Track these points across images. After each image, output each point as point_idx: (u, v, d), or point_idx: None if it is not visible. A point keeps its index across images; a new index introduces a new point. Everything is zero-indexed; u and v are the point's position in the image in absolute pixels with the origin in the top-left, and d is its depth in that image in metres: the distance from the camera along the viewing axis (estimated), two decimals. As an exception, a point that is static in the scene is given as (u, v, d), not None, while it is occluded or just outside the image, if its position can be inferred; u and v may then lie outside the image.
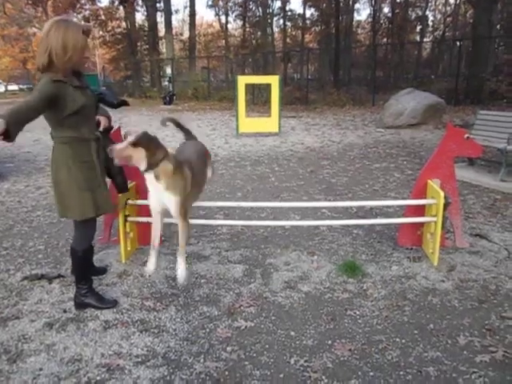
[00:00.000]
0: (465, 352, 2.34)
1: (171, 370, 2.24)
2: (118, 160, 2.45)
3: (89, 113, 2.60)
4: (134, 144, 2.43)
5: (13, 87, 41.80)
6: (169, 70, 23.77)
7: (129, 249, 3.53)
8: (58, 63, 2.39)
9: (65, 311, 2.80)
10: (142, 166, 2.52)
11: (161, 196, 2.65)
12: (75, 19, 2.67)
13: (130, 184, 3.45)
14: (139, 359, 2.33)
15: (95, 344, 2.46)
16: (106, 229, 3.69)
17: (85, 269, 2.87)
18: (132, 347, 2.43)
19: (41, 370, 2.25)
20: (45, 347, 2.44)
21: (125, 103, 3.14)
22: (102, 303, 2.84)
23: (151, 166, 2.53)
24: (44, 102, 2.33)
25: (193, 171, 2.77)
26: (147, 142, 2.48)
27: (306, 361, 2.30)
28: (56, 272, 3.33)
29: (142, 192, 3.59)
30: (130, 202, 3.41)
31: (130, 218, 3.45)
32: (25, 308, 2.84)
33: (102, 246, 3.71)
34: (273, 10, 38.21)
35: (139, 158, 2.48)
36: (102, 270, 3.33)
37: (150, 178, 2.59)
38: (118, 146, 2.42)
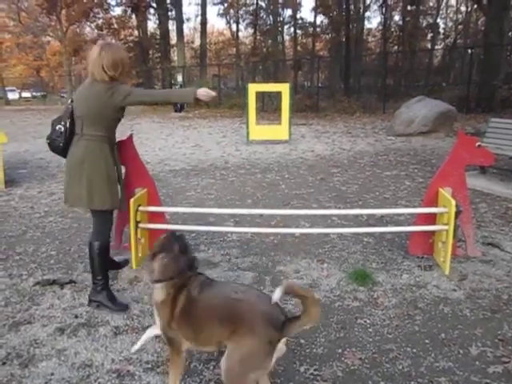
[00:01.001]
0: (477, 362, 2.31)
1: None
2: None
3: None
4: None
5: (25, 94, 42.37)
6: (180, 78, 23.98)
7: (140, 255, 3.55)
8: (118, 76, 2.85)
9: (76, 316, 2.82)
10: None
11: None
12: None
13: (142, 191, 3.49)
14: (149, 365, 2.34)
15: (106, 350, 2.48)
16: (118, 235, 3.72)
17: (102, 263, 2.98)
18: (142, 353, 2.44)
19: (52, 374, 2.27)
20: (56, 352, 2.46)
21: None
22: (114, 305, 2.91)
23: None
24: None
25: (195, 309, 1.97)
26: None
27: (315, 369, 2.29)
28: (68, 277, 3.36)
29: (153, 199, 3.63)
30: (141, 208, 3.44)
31: (141, 225, 3.48)
32: (37, 313, 2.87)
33: (113, 252, 3.73)
34: (283, 18, 38.48)
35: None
36: (123, 262, 3.49)
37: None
38: None
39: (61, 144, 2.90)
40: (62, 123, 2.90)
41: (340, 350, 2.45)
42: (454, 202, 3.17)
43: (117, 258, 3.51)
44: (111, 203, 2.92)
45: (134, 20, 32.22)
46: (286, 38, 41.58)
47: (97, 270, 2.96)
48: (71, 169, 2.89)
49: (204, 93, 2.79)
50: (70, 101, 2.97)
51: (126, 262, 3.51)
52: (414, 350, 2.43)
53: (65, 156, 2.96)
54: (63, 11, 28.64)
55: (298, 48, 40.66)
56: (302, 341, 2.54)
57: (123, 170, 3.25)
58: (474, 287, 3.11)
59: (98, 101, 2.79)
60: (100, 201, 2.86)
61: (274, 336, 1.78)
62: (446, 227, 3.27)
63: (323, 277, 3.33)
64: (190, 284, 2.01)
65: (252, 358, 1.79)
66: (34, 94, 40.82)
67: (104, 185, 2.85)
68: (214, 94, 2.83)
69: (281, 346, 1.84)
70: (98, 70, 2.80)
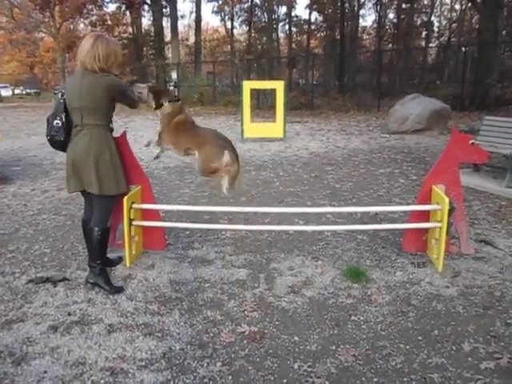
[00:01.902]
0: (469, 358, 2.33)
1: (175, 374, 2.24)
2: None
3: None
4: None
5: (17, 91, 42.08)
6: (174, 75, 23.87)
7: (133, 253, 3.54)
8: (108, 68, 2.94)
9: (69, 314, 2.81)
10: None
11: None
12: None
13: (136, 188, 3.48)
14: (143, 363, 2.33)
15: (99, 347, 2.47)
16: (111, 232, 3.69)
17: (100, 248, 3.14)
18: (136, 351, 2.44)
19: (45, 372, 2.26)
20: (49, 350, 2.45)
21: None
22: (110, 287, 3.08)
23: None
24: None
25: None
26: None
27: (309, 366, 2.29)
28: (61, 275, 3.34)
29: (147, 196, 3.61)
30: (135, 205, 3.42)
31: (134, 222, 3.46)
32: (30, 311, 2.86)
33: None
34: (278, 16, 38.37)
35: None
36: (117, 260, 3.52)
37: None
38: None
39: (61, 138, 2.96)
40: (58, 118, 2.94)
41: (334, 347, 2.45)
42: (447, 200, 3.19)
43: (110, 256, 3.50)
44: (117, 188, 3.06)
45: (128, 17, 32.02)
46: (281, 35, 41.57)
47: (96, 254, 3.12)
48: (78, 159, 2.94)
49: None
50: (60, 95, 2.99)
51: (120, 260, 3.50)
52: (407, 347, 2.44)
53: (64, 150, 3.01)
54: (56, 7, 28.42)
55: (293, 45, 40.64)
56: (296, 338, 2.54)
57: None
58: (466, 284, 3.13)
59: (94, 91, 2.87)
60: (108, 186, 2.99)
61: (220, 147, 3.48)
62: (439, 224, 3.28)
63: (317, 274, 3.34)
64: (184, 113, 3.62)
65: (210, 155, 3.45)
66: (28, 90, 40.46)
67: (110, 171, 2.98)
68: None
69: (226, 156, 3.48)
70: (90, 60, 2.87)
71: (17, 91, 41.94)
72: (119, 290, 3.09)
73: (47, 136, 3.00)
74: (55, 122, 2.94)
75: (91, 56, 2.86)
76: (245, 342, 2.51)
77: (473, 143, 3.46)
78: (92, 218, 3.13)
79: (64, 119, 2.94)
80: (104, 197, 3.04)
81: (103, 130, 2.98)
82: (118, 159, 3.08)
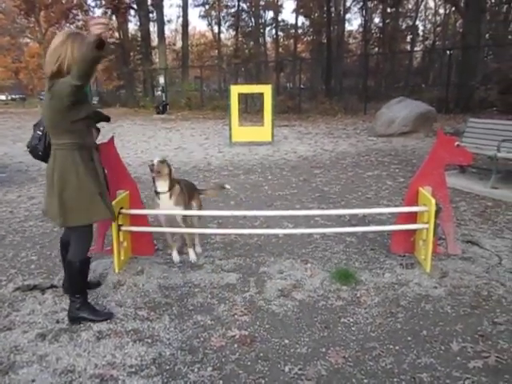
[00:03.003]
0: (458, 358, 2.35)
1: (165, 380, 2.23)
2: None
3: (91, 122, 2.73)
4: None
5: (2, 97, 41.59)
6: (162, 80, 23.80)
7: (122, 258, 3.52)
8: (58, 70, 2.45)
9: (57, 322, 2.78)
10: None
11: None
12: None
13: (124, 193, 3.46)
14: (133, 369, 2.32)
15: (88, 354, 2.44)
16: (99, 238, 3.67)
17: (81, 281, 2.80)
18: (126, 357, 2.42)
19: (33, 381, 2.23)
20: (37, 358, 2.42)
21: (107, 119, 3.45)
22: (96, 316, 2.78)
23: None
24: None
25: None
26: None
27: (300, 369, 2.30)
28: (49, 282, 3.31)
29: (136, 201, 3.60)
30: (123, 211, 3.41)
31: (123, 228, 3.44)
32: (17, 319, 2.82)
33: (94, 256, 3.68)
34: (265, 20, 38.65)
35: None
36: (96, 284, 3.26)
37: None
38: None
39: (40, 152, 2.81)
40: (41, 128, 2.79)
41: (324, 349, 2.46)
42: (433, 201, 3.23)
43: (90, 279, 3.23)
44: (88, 218, 2.64)
45: (114, 21, 31.89)
46: (268, 39, 41.89)
47: (76, 288, 2.79)
48: (46, 181, 2.68)
49: (96, 25, 2.18)
50: None
51: (99, 284, 3.29)
52: (397, 348, 2.46)
53: (47, 162, 2.78)
54: (42, 13, 28.22)
55: (280, 50, 40.92)
56: (286, 341, 2.55)
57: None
58: (454, 284, 3.16)
59: (46, 105, 2.52)
60: (74, 217, 2.59)
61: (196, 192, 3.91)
62: (426, 226, 3.31)
63: (307, 277, 3.35)
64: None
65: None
66: (13, 96, 40.03)
67: (77, 198, 2.57)
68: (103, 20, 2.22)
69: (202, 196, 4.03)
70: (51, 63, 2.44)
71: (1, 97, 41.50)
72: (109, 317, 2.80)
73: (28, 147, 2.83)
74: (37, 132, 2.79)
75: (54, 58, 2.46)
76: (235, 346, 2.51)
77: (458, 145, 3.51)
78: (69, 250, 2.78)
79: (45, 130, 2.74)
80: (79, 227, 2.66)
81: (69, 151, 2.54)
82: (90, 184, 2.60)
